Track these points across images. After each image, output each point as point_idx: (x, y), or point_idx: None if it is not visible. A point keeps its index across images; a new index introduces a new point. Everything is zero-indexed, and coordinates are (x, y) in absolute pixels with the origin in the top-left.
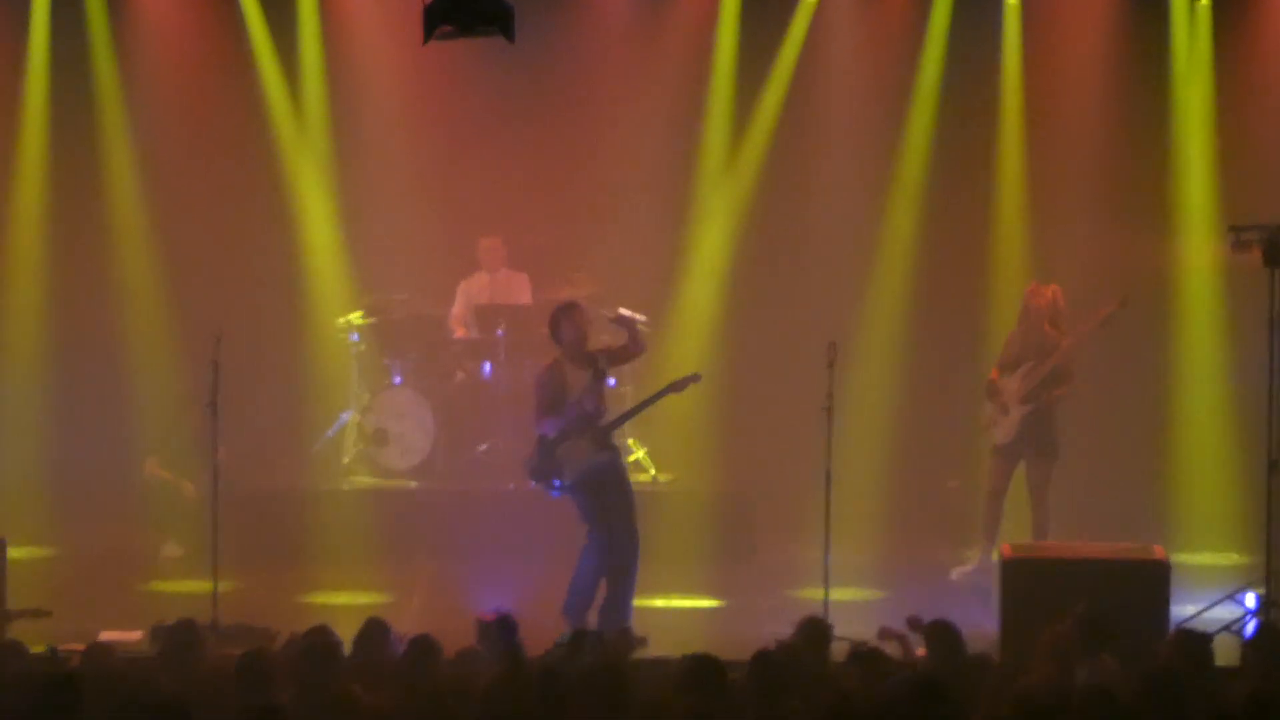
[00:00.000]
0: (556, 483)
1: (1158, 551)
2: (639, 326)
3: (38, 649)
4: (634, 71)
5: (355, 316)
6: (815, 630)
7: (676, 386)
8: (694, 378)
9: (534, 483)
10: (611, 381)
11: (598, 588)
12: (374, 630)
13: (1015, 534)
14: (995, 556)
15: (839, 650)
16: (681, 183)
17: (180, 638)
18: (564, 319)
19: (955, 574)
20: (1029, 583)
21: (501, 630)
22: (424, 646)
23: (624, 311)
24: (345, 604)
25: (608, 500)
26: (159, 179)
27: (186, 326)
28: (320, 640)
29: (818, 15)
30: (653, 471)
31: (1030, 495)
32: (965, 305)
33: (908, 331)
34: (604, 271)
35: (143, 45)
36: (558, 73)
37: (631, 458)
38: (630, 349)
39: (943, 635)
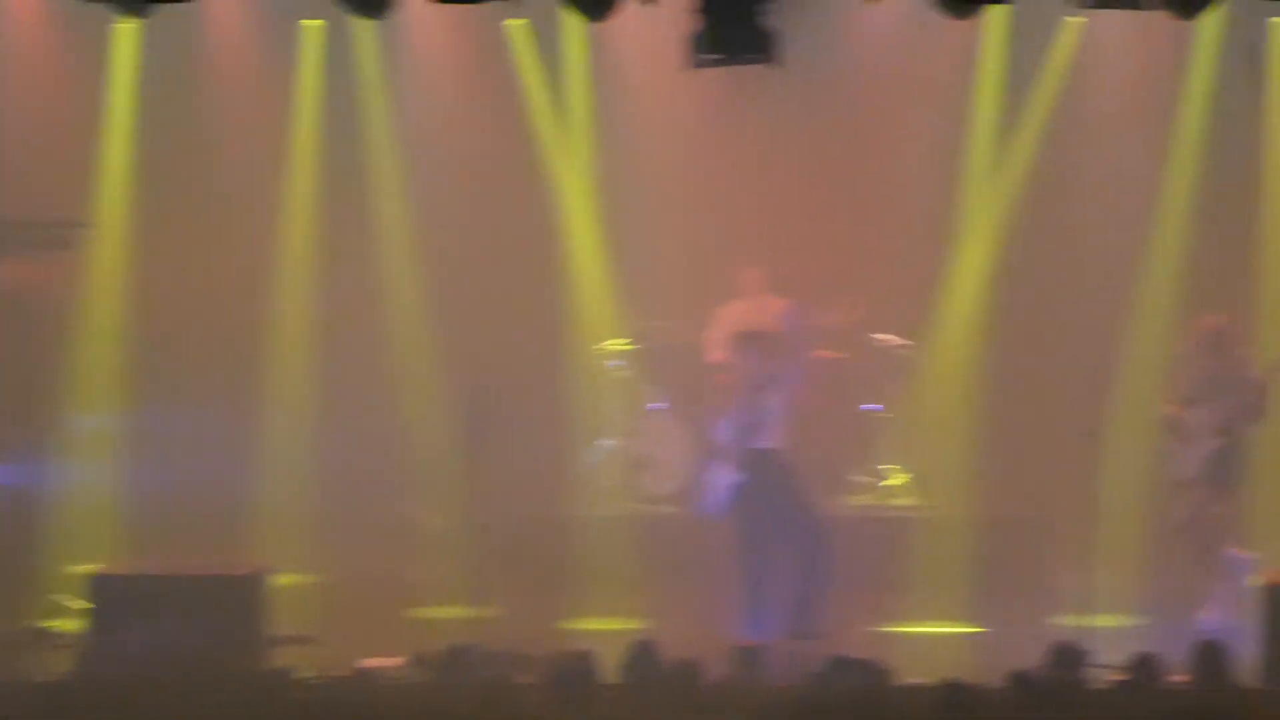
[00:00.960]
0: (706, 508)
1: None
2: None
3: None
4: (894, 96)
5: (617, 342)
6: (1070, 656)
7: None
8: None
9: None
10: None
11: (799, 596)
12: (639, 655)
13: None
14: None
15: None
16: (943, 203)
17: (447, 664)
18: (745, 349)
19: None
20: None
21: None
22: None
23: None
24: (606, 629)
25: (756, 519)
26: (425, 204)
27: (450, 351)
28: (577, 666)
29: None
30: (911, 498)
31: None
32: None
33: None
34: (867, 296)
35: (410, 74)
36: (815, 100)
37: (890, 483)
38: None
39: (1210, 658)
